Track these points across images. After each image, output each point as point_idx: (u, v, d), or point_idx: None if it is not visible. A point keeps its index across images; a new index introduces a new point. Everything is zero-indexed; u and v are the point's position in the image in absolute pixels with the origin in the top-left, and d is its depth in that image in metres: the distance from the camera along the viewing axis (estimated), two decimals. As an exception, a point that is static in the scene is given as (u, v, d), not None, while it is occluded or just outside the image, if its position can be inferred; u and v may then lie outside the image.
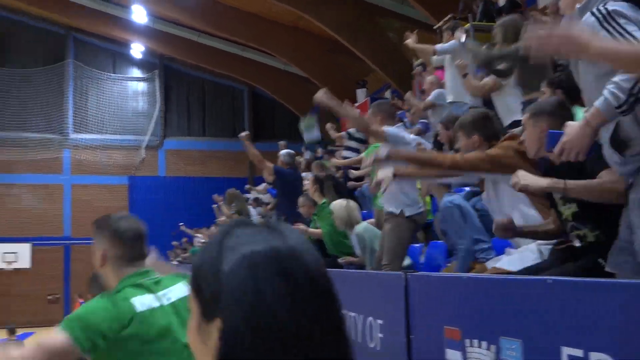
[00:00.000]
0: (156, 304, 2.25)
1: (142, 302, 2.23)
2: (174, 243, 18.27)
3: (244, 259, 0.88)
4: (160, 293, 2.29)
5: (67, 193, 26.71)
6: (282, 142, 8.09)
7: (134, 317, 2.17)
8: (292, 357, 0.84)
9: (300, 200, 7.15)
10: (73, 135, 26.76)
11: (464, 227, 4.44)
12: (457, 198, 4.64)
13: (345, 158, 9.55)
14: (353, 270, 5.39)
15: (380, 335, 3.31)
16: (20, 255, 25.39)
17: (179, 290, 2.33)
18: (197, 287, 0.93)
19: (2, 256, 25.24)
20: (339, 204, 6.07)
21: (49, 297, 25.55)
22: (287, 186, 7.61)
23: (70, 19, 25.33)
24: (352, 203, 6.13)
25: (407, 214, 5.05)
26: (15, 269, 25.20)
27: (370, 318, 3.41)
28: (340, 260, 6.27)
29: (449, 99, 7.13)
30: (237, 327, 0.86)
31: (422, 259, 5.79)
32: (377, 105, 5.46)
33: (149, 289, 2.28)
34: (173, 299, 2.30)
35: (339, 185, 7.26)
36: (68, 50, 26.99)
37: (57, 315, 24.21)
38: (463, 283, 2.63)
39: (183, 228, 16.87)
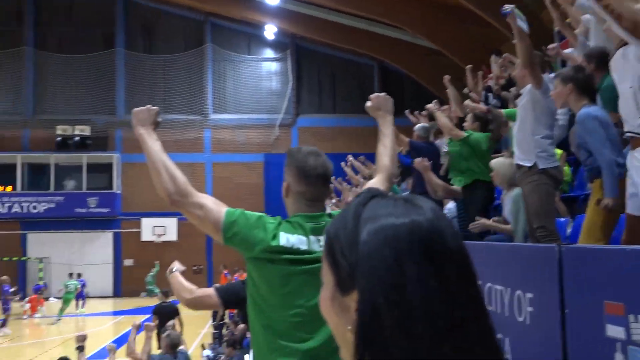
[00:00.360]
0: (303, 247, 2.25)
1: (289, 239, 2.24)
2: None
3: (383, 231, 0.84)
4: (316, 238, 2.27)
5: (209, 171, 28.31)
6: (431, 105, 7.71)
7: (268, 247, 2.22)
8: (435, 339, 0.80)
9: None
10: (213, 116, 28.24)
11: (605, 139, 4.06)
12: (596, 109, 4.24)
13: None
14: (500, 243, 5.21)
15: (529, 309, 3.21)
16: (168, 229, 27.37)
17: None
18: (332, 257, 0.89)
19: (152, 229, 27.34)
20: (501, 160, 5.59)
21: (194, 268, 27.32)
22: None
23: (207, 5, 26.57)
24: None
25: (540, 166, 4.67)
26: (163, 241, 27.24)
27: (519, 291, 3.32)
28: (473, 225, 5.62)
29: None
30: (375, 302, 0.82)
31: (568, 232, 5.51)
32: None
33: (305, 231, 2.28)
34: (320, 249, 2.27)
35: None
36: (206, 35, 28.38)
37: (200, 285, 25.69)
38: (625, 255, 2.50)
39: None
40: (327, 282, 0.90)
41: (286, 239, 2.24)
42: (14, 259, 26.43)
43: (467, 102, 7.10)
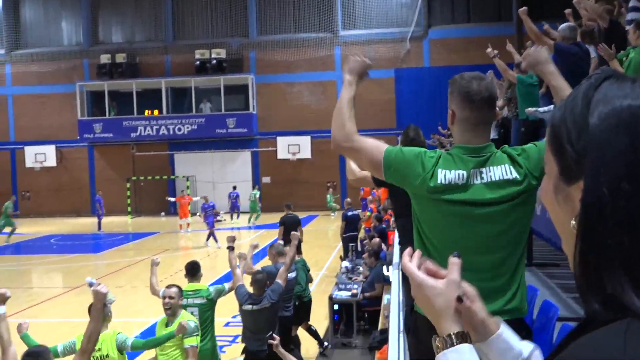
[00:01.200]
0: (461, 182, 2.22)
1: (446, 175, 2.23)
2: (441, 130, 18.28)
3: (618, 114, 0.76)
4: (481, 171, 2.24)
5: (340, 88, 28.37)
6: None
7: (425, 185, 2.23)
8: None
9: None
10: (342, 32, 28.00)
11: None
12: None
13: None
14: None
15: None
16: (302, 147, 28.14)
17: (503, 172, 2.23)
18: (556, 144, 0.82)
19: (287, 148, 28.25)
20: None
21: (328, 184, 28.11)
22: (569, 65, 6.70)
23: None
24: None
25: None
26: (298, 159, 28.11)
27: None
28: None
29: None
30: (603, 192, 0.75)
31: None
32: None
33: (465, 165, 2.25)
34: (489, 180, 2.23)
35: None
36: (333, -52, 27.77)
37: (335, 201, 26.44)
38: None
39: None
40: (550, 172, 0.85)
41: (444, 175, 2.24)
42: (164, 177, 28.64)
43: None
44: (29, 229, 25.08)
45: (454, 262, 1.11)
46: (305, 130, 28.07)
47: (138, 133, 28.48)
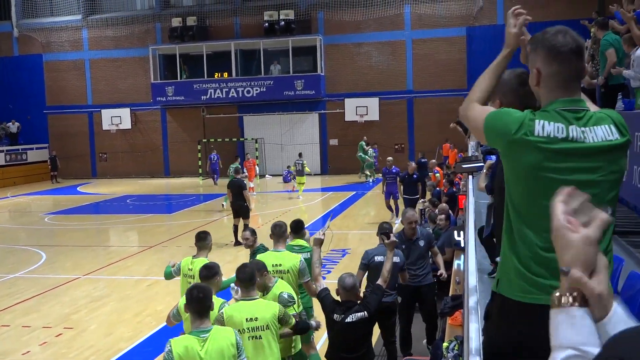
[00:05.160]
0: (560, 135, 2.08)
1: (546, 128, 2.09)
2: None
3: None
4: (580, 128, 2.09)
5: (409, 48, 27.79)
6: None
7: (514, 138, 2.10)
8: None
9: None
10: (412, -10, 27.24)
11: None
12: None
13: None
14: None
15: None
16: (370, 109, 27.84)
17: (605, 132, 2.10)
18: None
19: (355, 110, 28.01)
20: None
21: (396, 147, 27.80)
22: None
23: None
24: None
25: None
26: (366, 121, 27.85)
27: None
28: None
29: None
30: None
31: None
32: None
33: (567, 120, 2.11)
34: (592, 141, 2.08)
35: None
36: None
37: (400, 163, 26.35)
38: None
39: None
40: None
41: (542, 126, 2.09)
42: (234, 139, 29.06)
43: None
44: (106, 189, 26.13)
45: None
46: (374, 92, 27.73)
47: (208, 96, 28.90)
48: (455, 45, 27.06)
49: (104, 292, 10.32)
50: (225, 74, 29.06)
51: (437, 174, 16.57)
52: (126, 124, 30.65)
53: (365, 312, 5.02)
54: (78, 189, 27.17)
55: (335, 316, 5.03)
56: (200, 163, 28.67)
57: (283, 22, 28.08)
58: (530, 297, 2.06)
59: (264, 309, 4.64)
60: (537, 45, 2.18)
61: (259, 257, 5.89)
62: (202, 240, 6.30)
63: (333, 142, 28.69)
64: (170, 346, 3.77)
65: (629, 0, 8.25)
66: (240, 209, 13.46)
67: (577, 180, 1.98)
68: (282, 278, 5.64)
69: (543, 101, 2.20)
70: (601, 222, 1.01)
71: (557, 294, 1.04)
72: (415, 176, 14.98)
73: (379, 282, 5.32)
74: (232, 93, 28.75)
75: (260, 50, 28.64)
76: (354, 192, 22.00)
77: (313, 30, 28.49)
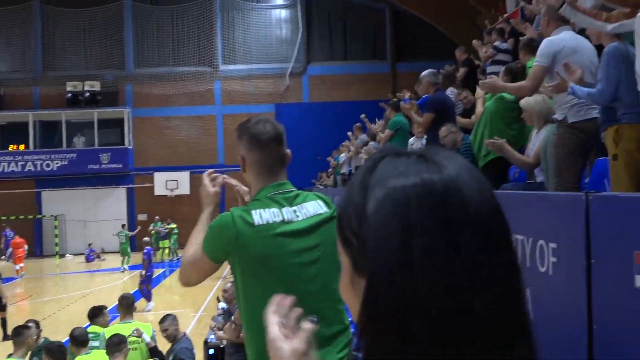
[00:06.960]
0: (277, 219, 2.16)
1: (264, 216, 2.17)
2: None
3: (389, 194, 0.70)
4: (291, 209, 2.22)
5: (220, 123, 28.08)
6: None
7: (238, 234, 2.14)
8: (435, 343, 0.66)
9: (443, 129, 6.16)
10: (222, 67, 27.82)
11: (614, 75, 3.74)
12: (624, 46, 3.86)
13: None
14: (521, 192, 4.93)
15: (553, 259, 3.06)
16: (180, 183, 27.36)
17: (314, 207, 2.24)
18: (342, 235, 0.75)
19: (165, 184, 27.36)
20: (533, 99, 5.18)
21: (209, 221, 27.43)
22: (442, 111, 6.79)
23: (212, -49, 25.79)
24: (548, 99, 5.13)
25: (570, 120, 4.29)
26: (176, 195, 27.26)
27: (542, 241, 3.15)
28: (490, 142, 5.32)
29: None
30: (378, 279, 0.68)
31: (586, 180, 5.21)
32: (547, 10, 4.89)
33: (279, 203, 2.22)
34: (305, 217, 2.21)
35: None
36: (213, -17, 27.69)
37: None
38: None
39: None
40: (344, 265, 0.77)
41: (259, 215, 2.17)
42: (30, 217, 26.66)
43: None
44: None
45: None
46: (184, 166, 27.37)
47: (1, 169, 26.48)
48: (265, 121, 27.89)
49: None
50: (22, 146, 26.94)
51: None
52: None
53: None
54: None
55: None
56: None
57: (88, 94, 26.94)
58: None
59: None
60: (241, 134, 2.33)
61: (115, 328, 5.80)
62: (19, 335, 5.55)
63: (142, 217, 27.57)
64: None
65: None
66: None
67: (300, 263, 2.11)
68: (135, 349, 5.88)
69: (253, 189, 2.34)
70: (305, 333, 0.94)
71: None
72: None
73: None
74: (29, 166, 26.62)
75: (62, 121, 27.08)
76: (163, 270, 21.16)
77: (120, 103, 27.67)
